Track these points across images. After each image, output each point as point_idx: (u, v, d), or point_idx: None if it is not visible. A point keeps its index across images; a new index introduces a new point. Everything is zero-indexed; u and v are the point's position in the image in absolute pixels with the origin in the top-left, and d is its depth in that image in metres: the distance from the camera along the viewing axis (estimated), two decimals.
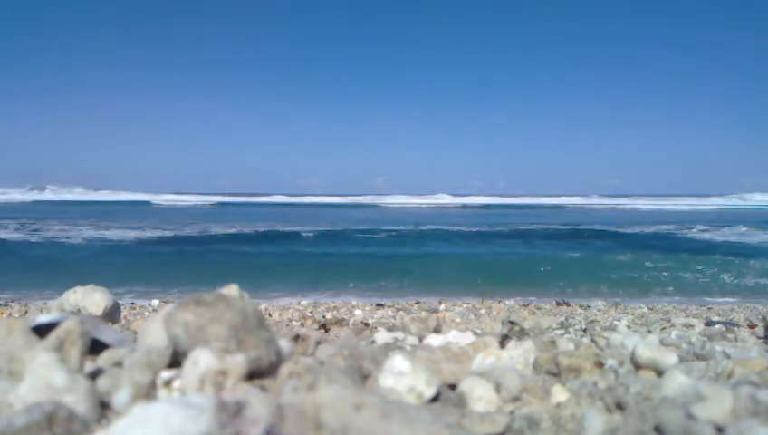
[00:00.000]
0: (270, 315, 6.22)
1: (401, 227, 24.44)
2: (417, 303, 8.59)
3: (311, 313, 6.70)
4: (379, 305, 7.98)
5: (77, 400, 0.85)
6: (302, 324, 4.24)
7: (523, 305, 8.18)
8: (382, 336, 1.80)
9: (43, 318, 1.23)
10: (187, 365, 0.88)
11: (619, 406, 1.02)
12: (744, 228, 25.13)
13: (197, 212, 40.91)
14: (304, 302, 8.59)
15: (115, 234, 20.18)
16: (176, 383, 0.92)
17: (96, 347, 1.21)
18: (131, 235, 19.95)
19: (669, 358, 1.32)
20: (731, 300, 9.86)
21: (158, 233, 20.91)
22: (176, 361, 0.98)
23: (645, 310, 7.78)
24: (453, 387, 1.15)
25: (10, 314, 6.38)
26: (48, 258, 14.25)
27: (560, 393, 1.07)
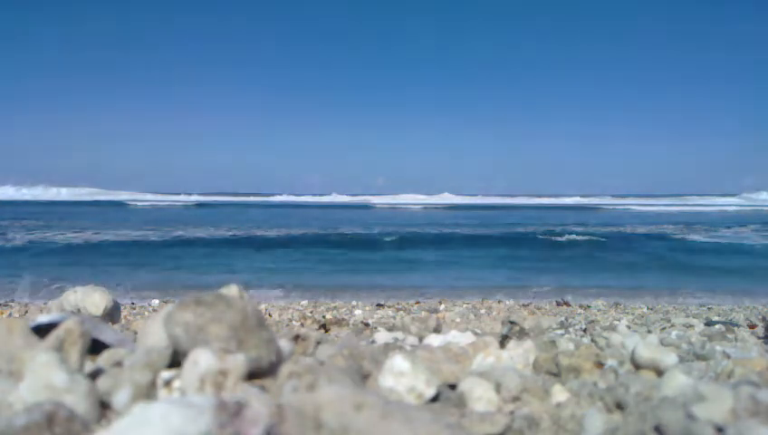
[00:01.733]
0: (270, 315, 6.22)
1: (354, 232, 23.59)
2: (417, 303, 8.59)
3: (311, 313, 6.70)
4: (379, 305, 7.98)
5: (77, 400, 0.85)
6: (302, 324, 4.24)
7: (523, 305, 8.18)
8: (382, 336, 1.80)
9: (43, 318, 1.23)
10: (187, 365, 0.88)
11: (619, 406, 1.02)
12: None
13: (161, 214, 38.37)
14: (304, 302, 8.60)
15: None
16: (176, 383, 0.92)
17: (96, 347, 1.21)
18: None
19: (669, 358, 1.32)
20: (731, 300, 9.85)
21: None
22: (176, 361, 0.98)
23: (645, 310, 7.78)
24: (453, 387, 1.15)
25: (10, 314, 6.38)
26: None
27: (560, 393, 1.07)
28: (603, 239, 20.79)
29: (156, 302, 8.29)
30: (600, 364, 1.29)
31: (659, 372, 1.31)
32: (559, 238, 20.98)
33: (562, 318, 5.47)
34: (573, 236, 20.89)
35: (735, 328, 4.11)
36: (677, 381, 1.04)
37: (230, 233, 22.48)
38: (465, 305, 7.91)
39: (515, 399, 1.05)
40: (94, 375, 1.00)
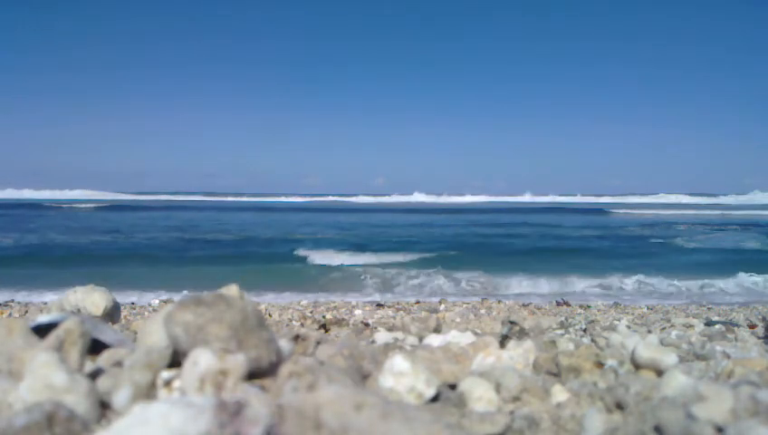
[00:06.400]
0: (270, 315, 6.22)
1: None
2: (417, 303, 8.59)
3: (311, 313, 6.70)
4: (379, 305, 7.98)
5: (77, 400, 0.85)
6: (302, 324, 4.24)
7: (523, 305, 8.18)
8: (382, 336, 1.80)
9: (43, 318, 1.23)
10: (187, 365, 0.88)
11: (619, 406, 1.02)
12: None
13: (65, 216, 33.44)
14: (304, 302, 8.60)
15: None
16: (176, 383, 0.92)
17: (96, 347, 1.21)
18: None
19: (669, 358, 1.32)
20: (731, 300, 9.85)
21: None
22: (176, 361, 0.98)
23: (645, 310, 7.79)
24: (453, 387, 1.15)
25: (10, 314, 6.38)
26: None
27: (560, 393, 1.07)
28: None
29: (156, 302, 8.29)
30: (600, 364, 1.29)
31: (659, 372, 1.31)
32: None
33: (562, 318, 5.47)
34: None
35: (735, 328, 4.11)
36: (677, 381, 1.04)
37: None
38: (465, 305, 7.91)
39: (515, 399, 1.05)
40: (94, 375, 1.00)
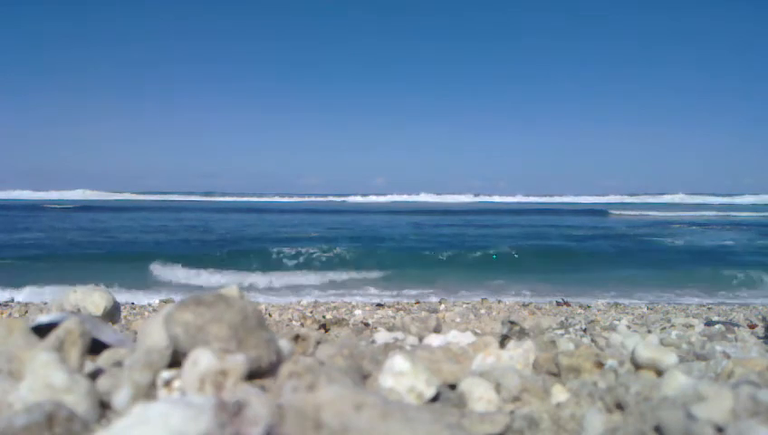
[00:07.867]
0: (270, 315, 6.22)
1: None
2: (417, 303, 8.59)
3: (311, 313, 6.69)
4: (379, 305, 7.98)
5: (77, 400, 0.85)
6: (302, 324, 4.24)
7: (523, 305, 8.18)
8: (382, 336, 1.80)
9: (43, 318, 1.23)
10: (187, 365, 0.88)
11: (619, 406, 1.02)
12: None
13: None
14: (304, 302, 8.60)
15: None
16: (176, 383, 0.92)
17: (96, 347, 1.21)
18: None
19: (669, 358, 1.32)
20: (731, 300, 9.85)
21: None
22: (176, 361, 0.98)
23: (645, 310, 7.78)
24: (453, 387, 1.15)
25: (10, 314, 6.38)
26: None
27: (560, 393, 1.07)
28: None
29: (156, 302, 8.30)
30: (600, 364, 1.29)
31: (659, 372, 1.31)
32: None
33: (562, 318, 5.47)
34: None
35: (735, 328, 4.11)
36: (677, 381, 1.04)
37: None
38: (465, 305, 7.91)
39: (515, 399, 1.05)
40: (94, 375, 1.00)
